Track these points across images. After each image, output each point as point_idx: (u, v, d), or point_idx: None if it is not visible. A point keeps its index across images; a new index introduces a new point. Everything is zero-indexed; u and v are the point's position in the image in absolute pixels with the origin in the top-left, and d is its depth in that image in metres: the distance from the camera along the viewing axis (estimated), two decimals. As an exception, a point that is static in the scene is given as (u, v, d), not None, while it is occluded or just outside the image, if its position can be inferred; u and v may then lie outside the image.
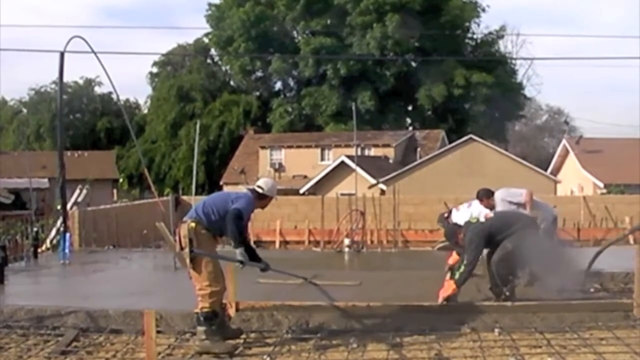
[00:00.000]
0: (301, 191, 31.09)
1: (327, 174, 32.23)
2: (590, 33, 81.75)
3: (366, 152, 35.88)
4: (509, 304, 7.37)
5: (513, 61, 50.37)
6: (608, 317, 7.05)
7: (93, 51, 12.78)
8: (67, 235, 12.92)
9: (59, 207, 14.19)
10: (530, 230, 7.60)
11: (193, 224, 6.33)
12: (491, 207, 8.98)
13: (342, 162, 31.12)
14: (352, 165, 25.71)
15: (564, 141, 34.54)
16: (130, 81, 75.84)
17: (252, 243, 9.78)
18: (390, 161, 34.94)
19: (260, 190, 6.67)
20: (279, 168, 37.44)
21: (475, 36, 49.30)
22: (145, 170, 17.54)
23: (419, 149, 36.68)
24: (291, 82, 49.55)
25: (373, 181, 28.05)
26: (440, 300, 7.33)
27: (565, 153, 33.49)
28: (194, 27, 72.93)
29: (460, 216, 8.85)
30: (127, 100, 54.89)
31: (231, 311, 7.16)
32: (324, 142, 38.00)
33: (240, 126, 46.12)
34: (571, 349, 6.31)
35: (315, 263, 12.34)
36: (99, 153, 43.45)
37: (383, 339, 6.65)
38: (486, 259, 7.77)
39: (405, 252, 15.52)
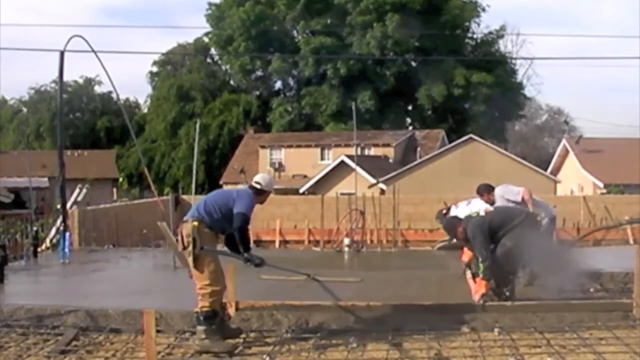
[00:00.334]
0: (301, 191, 31.09)
1: (327, 174, 32.22)
2: (590, 33, 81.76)
3: (366, 152, 35.88)
4: (508, 303, 7.36)
5: (513, 61, 50.43)
6: (608, 317, 7.05)
7: (93, 50, 12.78)
8: (67, 234, 12.91)
9: (58, 206, 14.15)
10: (530, 226, 7.58)
11: (196, 223, 6.33)
12: (491, 203, 8.99)
13: (342, 162, 31.11)
14: (352, 164, 25.69)
15: (563, 141, 34.48)
16: (130, 80, 75.90)
17: (251, 242, 9.78)
18: (390, 161, 34.95)
19: (258, 186, 6.71)
20: (279, 167, 37.43)
21: (475, 36, 49.40)
22: (145, 169, 17.47)
23: (418, 149, 36.67)
24: (291, 82, 49.57)
25: (373, 181, 28.04)
26: (477, 299, 7.37)
27: (565, 153, 33.45)
28: (194, 27, 72.91)
29: (458, 213, 8.86)
30: (127, 99, 55.03)
31: (231, 310, 7.15)
32: (324, 141, 38.00)
33: (240, 126, 46.13)
34: (571, 349, 6.31)
35: (315, 263, 12.35)
36: (99, 152, 43.48)
37: (383, 338, 6.64)
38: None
39: (405, 251, 15.53)
